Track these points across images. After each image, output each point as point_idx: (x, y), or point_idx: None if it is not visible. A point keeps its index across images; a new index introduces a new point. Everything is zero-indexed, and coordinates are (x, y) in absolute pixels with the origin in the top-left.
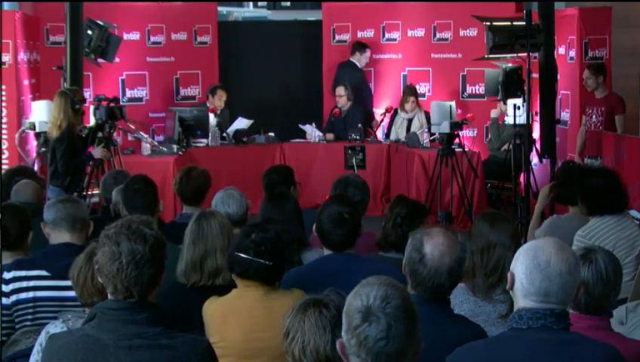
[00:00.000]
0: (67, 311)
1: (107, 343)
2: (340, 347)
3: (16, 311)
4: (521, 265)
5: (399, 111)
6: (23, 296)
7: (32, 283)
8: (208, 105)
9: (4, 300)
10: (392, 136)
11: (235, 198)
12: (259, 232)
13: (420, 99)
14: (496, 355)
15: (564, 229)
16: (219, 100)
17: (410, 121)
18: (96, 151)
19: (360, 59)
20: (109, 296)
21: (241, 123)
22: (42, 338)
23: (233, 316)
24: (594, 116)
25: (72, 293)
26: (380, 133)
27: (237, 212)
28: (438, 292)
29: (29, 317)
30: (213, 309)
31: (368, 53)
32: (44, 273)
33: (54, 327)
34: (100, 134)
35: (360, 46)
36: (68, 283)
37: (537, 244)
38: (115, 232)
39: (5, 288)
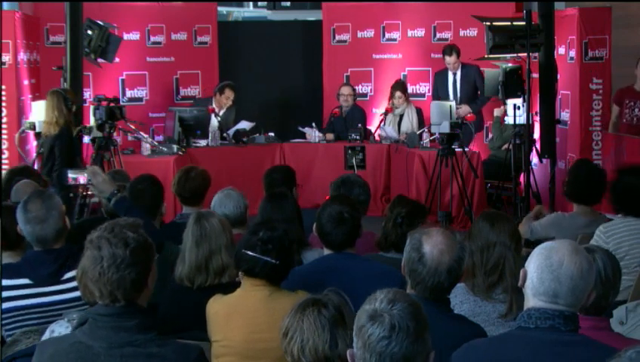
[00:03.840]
0: (70, 311)
1: (99, 351)
2: (350, 357)
3: (3, 320)
4: (534, 264)
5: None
6: (10, 304)
7: (16, 293)
8: (214, 102)
9: None
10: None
11: (233, 199)
12: (266, 230)
13: (419, 99)
14: (500, 353)
15: (566, 227)
16: (226, 99)
17: (400, 117)
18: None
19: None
20: (98, 301)
21: (243, 125)
22: (47, 337)
23: (237, 316)
24: (636, 109)
25: (57, 297)
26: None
27: (235, 212)
28: (437, 291)
29: (18, 325)
30: (217, 307)
31: (447, 58)
32: (27, 281)
33: (59, 326)
34: (100, 136)
35: (444, 50)
36: (51, 288)
37: (553, 245)
38: (97, 236)
39: None
